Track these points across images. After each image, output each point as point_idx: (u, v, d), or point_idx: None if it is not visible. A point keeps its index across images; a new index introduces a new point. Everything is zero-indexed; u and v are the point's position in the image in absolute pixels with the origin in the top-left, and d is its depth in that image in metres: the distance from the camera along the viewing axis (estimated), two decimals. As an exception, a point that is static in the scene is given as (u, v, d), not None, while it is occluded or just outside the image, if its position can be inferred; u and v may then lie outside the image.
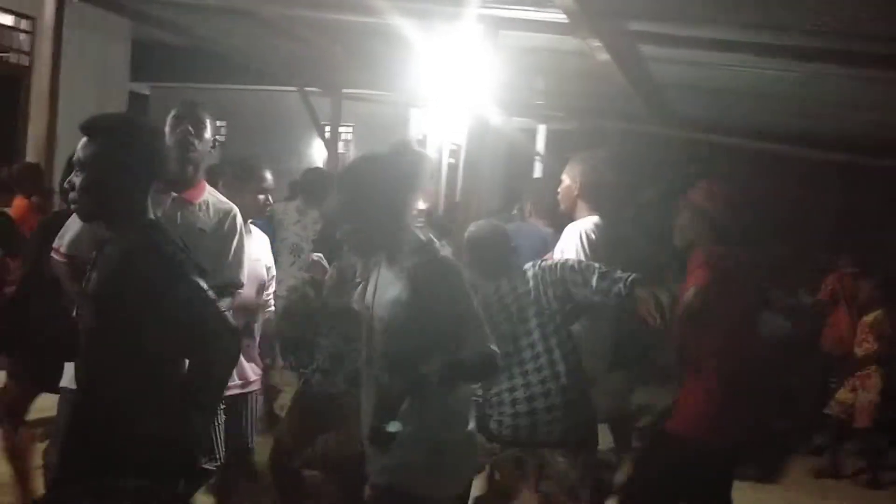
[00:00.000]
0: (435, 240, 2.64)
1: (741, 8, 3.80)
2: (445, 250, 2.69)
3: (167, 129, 2.96)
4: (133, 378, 2.18)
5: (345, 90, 7.76)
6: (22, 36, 8.77)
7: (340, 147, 11.04)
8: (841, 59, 4.23)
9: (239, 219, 3.15)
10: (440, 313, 2.43)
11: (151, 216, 2.31)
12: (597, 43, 4.37)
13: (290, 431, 3.52)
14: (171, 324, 2.16)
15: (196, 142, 3.00)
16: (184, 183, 2.99)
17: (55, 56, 4.53)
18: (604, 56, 4.56)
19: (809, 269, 8.09)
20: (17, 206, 5.11)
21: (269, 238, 4.28)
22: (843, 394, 5.94)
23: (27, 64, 8.65)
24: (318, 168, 6.41)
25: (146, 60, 12.11)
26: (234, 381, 3.55)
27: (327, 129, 7.89)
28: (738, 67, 4.77)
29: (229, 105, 15.09)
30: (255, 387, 3.69)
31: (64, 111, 5.39)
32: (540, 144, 10.56)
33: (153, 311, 2.15)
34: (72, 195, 2.34)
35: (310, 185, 5.66)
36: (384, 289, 2.51)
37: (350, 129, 11.99)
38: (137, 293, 2.15)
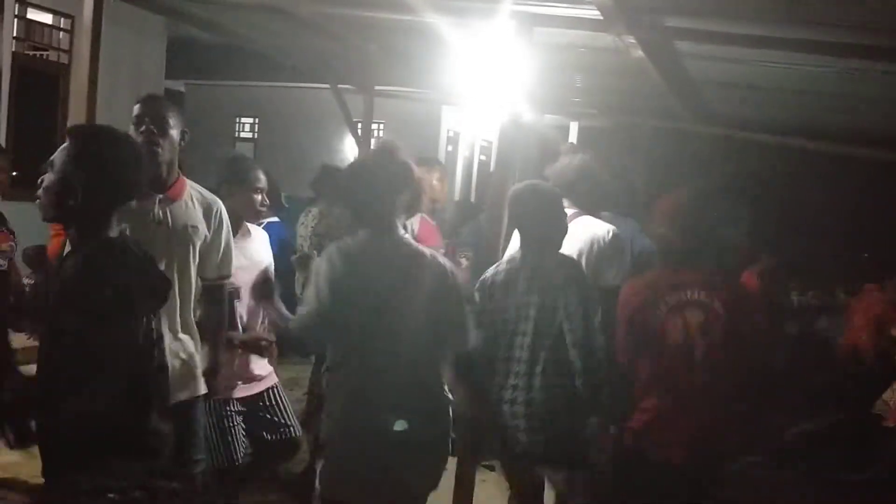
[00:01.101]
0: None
1: (778, 3, 3.75)
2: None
3: (131, 128, 2.93)
4: (80, 392, 2.17)
5: (377, 87, 7.76)
6: (61, 34, 8.90)
7: (372, 144, 11.08)
8: (883, 55, 4.16)
9: (224, 212, 3.18)
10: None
11: (113, 234, 2.31)
12: (631, 40, 4.33)
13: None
14: (97, 356, 2.17)
15: (161, 141, 2.95)
16: (160, 184, 2.98)
17: (93, 54, 4.57)
18: (638, 53, 4.52)
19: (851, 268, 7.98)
20: None
21: (282, 241, 4.31)
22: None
23: (66, 62, 8.78)
24: (326, 166, 6.42)
25: (181, 58, 12.22)
26: (241, 382, 3.58)
27: (359, 125, 7.90)
28: (775, 64, 4.71)
29: (263, 102, 15.20)
30: (269, 383, 3.71)
31: (101, 108, 5.45)
32: (572, 141, 10.50)
33: (83, 338, 2.16)
34: (37, 193, 2.37)
35: (316, 185, 5.72)
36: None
37: (381, 126, 12.03)
38: (71, 318, 2.17)
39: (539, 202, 3.49)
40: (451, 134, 13.17)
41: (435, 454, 2.88)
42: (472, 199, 13.01)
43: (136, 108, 2.99)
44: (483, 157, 14.18)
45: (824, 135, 7.11)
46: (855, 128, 6.78)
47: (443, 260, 2.92)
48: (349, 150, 12.24)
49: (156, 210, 2.94)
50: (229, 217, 3.29)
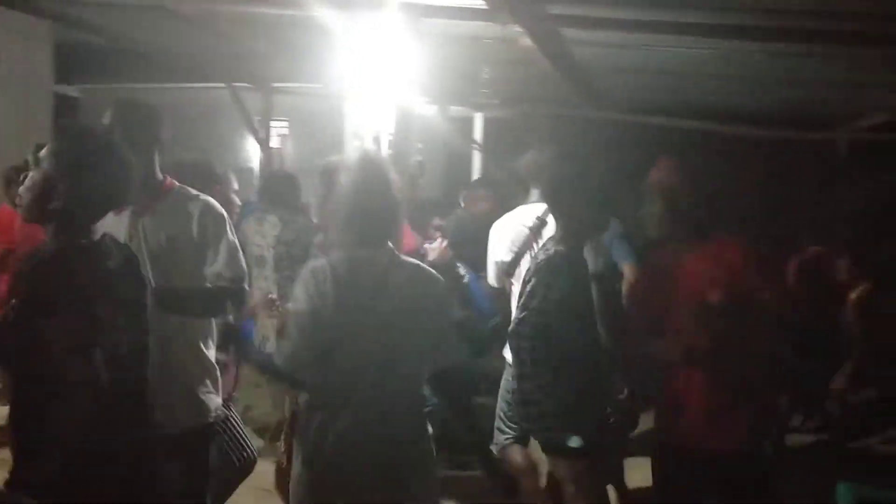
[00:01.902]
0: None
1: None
2: None
3: None
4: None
5: (275, 84, 7.65)
6: (-61, 41, 8.49)
7: (276, 142, 10.91)
8: (760, 35, 4.29)
9: (217, 207, 3.01)
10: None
11: (85, 240, 2.21)
12: (518, 28, 4.37)
13: None
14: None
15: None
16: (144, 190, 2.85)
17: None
18: (526, 41, 4.57)
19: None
20: None
21: None
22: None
23: (-54, 69, 8.39)
24: (277, 171, 6.32)
25: (75, 62, 11.80)
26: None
27: (259, 124, 7.80)
28: (659, 48, 4.83)
29: (160, 104, 14.79)
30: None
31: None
32: (478, 133, 10.56)
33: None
34: (18, 192, 2.28)
35: (268, 190, 5.59)
36: None
37: (285, 124, 11.86)
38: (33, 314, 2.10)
39: None
40: (356, 129, 13.07)
41: (422, 479, 2.71)
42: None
43: (108, 116, 2.86)
44: (390, 151, 14.11)
45: (713, 116, 7.33)
46: (741, 108, 7.02)
47: (431, 271, 2.79)
48: (251, 149, 12.04)
49: (144, 218, 2.83)
50: None
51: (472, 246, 4.78)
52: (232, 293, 2.93)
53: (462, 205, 6.48)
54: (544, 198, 3.43)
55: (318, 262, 2.69)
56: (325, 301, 2.56)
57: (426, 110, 8.73)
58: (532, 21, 4.26)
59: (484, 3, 4.02)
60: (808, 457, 5.91)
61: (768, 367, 3.35)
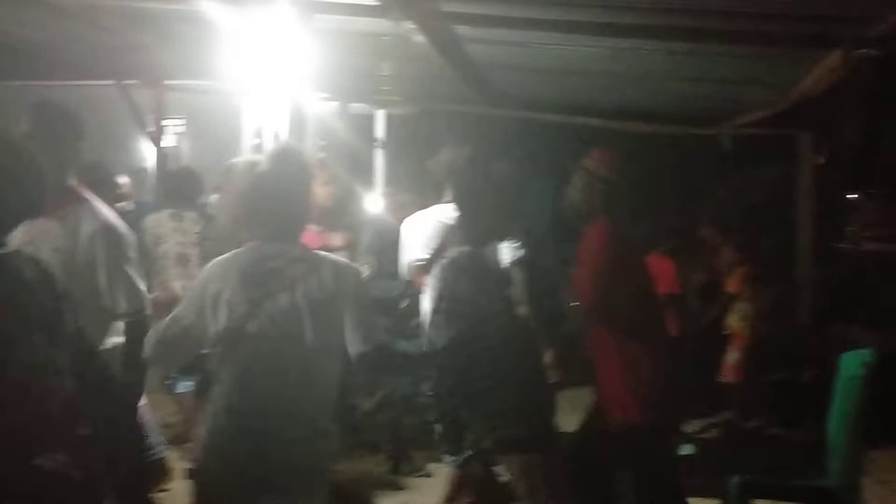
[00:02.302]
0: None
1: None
2: None
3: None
4: None
5: (168, 81, 7.46)
6: None
7: (172, 140, 10.65)
8: (649, 34, 4.42)
9: (120, 230, 2.88)
10: None
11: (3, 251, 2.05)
12: (411, 25, 4.39)
13: None
14: None
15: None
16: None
17: None
18: (419, 38, 4.59)
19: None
20: None
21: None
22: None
23: None
24: (183, 168, 6.16)
25: (-47, 59, 11.23)
26: None
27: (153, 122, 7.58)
28: (551, 45, 4.93)
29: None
30: None
31: None
32: (379, 131, 10.55)
33: None
34: None
35: (178, 188, 5.44)
36: None
37: (182, 122, 11.58)
38: None
39: None
40: (256, 126, 12.85)
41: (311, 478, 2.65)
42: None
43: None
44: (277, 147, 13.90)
45: (603, 112, 7.52)
46: (630, 104, 7.21)
47: (341, 261, 2.74)
48: (146, 149, 11.71)
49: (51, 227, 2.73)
50: None
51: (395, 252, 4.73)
52: (138, 327, 2.85)
53: (371, 209, 6.46)
54: (450, 198, 3.48)
55: (222, 256, 2.61)
56: (223, 294, 2.50)
57: (327, 108, 8.67)
58: (424, 18, 4.29)
59: (376, -1, 4.02)
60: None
61: (668, 348, 3.57)
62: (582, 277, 3.33)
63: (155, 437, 3.56)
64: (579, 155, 3.73)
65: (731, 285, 6.40)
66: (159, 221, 5.22)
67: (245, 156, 3.76)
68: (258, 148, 9.07)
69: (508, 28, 4.37)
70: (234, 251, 2.64)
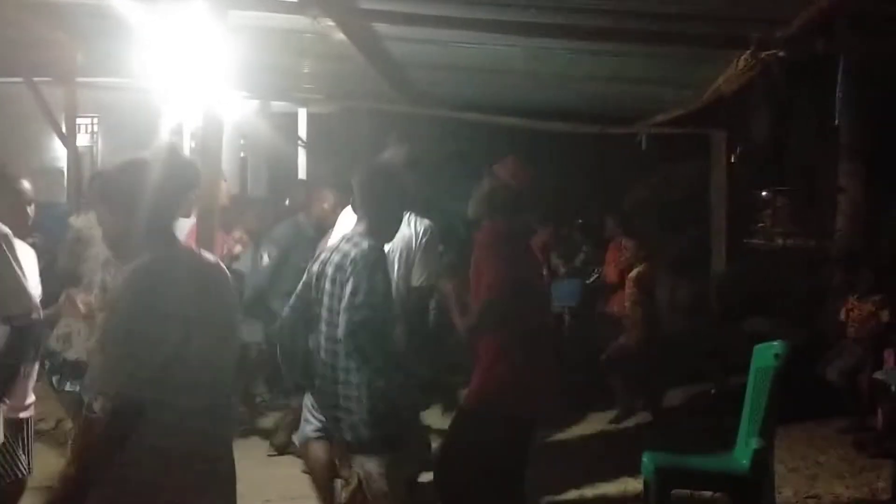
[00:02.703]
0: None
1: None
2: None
3: None
4: None
5: (81, 79, 7.23)
6: None
7: (86, 139, 10.33)
8: (566, 34, 4.48)
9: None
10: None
11: None
12: (330, 22, 4.35)
13: None
14: None
15: None
16: None
17: None
18: (339, 35, 4.56)
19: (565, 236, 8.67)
20: None
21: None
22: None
23: None
24: (108, 170, 5.91)
25: None
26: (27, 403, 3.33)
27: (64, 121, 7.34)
28: (469, 44, 4.95)
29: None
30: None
31: None
32: (302, 129, 10.44)
33: None
34: None
35: (104, 191, 5.24)
36: None
37: (95, 120, 11.23)
38: None
39: None
40: (173, 124, 12.57)
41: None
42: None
43: None
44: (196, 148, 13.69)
45: (522, 111, 7.61)
46: (549, 104, 7.31)
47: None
48: (58, 148, 11.34)
49: None
50: None
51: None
52: (27, 330, 2.83)
53: (290, 205, 6.37)
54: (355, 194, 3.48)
55: (143, 266, 2.34)
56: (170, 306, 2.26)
57: (249, 106, 8.54)
58: (343, 15, 4.26)
59: (293, -5, 3.98)
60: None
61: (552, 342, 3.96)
62: (481, 277, 3.64)
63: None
64: (503, 154, 3.98)
65: (631, 281, 6.62)
66: (89, 223, 5.05)
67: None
68: (176, 145, 8.87)
69: (427, 26, 4.36)
70: (149, 260, 2.50)
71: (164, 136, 10.10)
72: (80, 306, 3.85)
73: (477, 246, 3.77)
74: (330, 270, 3.16)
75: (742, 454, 4.23)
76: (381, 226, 3.24)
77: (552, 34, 4.39)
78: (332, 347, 3.11)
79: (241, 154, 11.41)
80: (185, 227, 4.07)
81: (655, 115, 7.06)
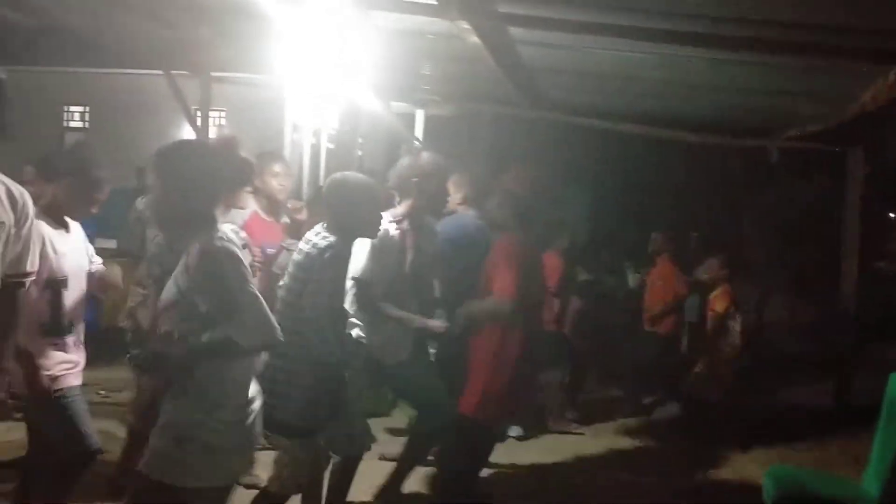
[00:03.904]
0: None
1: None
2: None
3: None
4: None
5: (215, 73, 7.51)
6: None
7: (213, 132, 10.73)
8: (701, 42, 4.39)
9: (31, 204, 2.94)
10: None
11: None
12: (466, 25, 4.38)
13: None
14: None
15: None
16: None
17: None
18: (473, 39, 4.58)
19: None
20: None
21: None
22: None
23: None
24: (163, 147, 6.17)
25: (2, 43, 11.42)
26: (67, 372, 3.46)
27: (197, 113, 7.63)
28: (603, 50, 4.89)
29: (94, 89, 14.41)
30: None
31: None
32: (419, 130, 10.55)
33: None
34: None
35: (158, 164, 5.50)
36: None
37: (223, 114, 11.68)
38: None
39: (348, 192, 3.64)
40: (296, 121, 12.92)
41: None
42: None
43: None
44: (331, 146, 13.99)
45: (651, 120, 7.47)
46: (678, 113, 7.16)
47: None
48: (188, 138, 11.83)
49: None
50: (56, 209, 3.37)
51: None
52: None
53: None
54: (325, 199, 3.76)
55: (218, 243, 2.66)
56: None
57: (370, 105, 8.70)
58: (480, 18, 4.28)
59: (433, -2, 4.02)
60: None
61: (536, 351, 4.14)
62: (495, 284, 3.90)
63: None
64: (619, 162, 3.98)
65: (715, 301, 6.40)
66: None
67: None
68: (298, 143, 9.11)
69: (564, 31, 4.34)
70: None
71: (286, 131, 10.41)
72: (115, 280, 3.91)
73: (494, 251, 4.09)
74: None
75: (871, 484, 4.06)
76: (345, 225, 3.55)
77: (694, 43, 4.29)
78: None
79: (359, 153, 11.66)
80: (238, 218, 4.24)
81: (787, 129, 6.83)
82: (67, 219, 3.51)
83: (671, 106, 6.77)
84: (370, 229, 3.72)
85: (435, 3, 4.12)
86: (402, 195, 4.38)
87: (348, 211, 3.56)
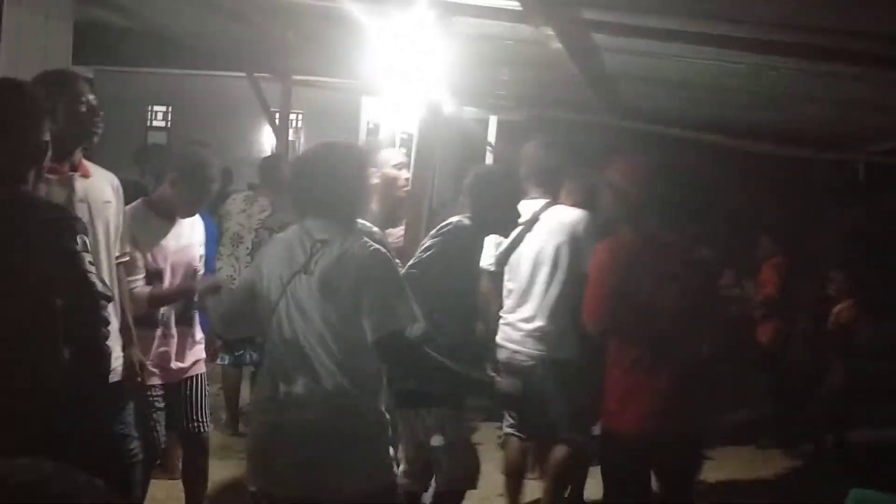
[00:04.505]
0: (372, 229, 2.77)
1: (694, -1, 3.82)
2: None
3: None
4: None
5: (295, 76, 7.63)
6: (-42, 14, 8.45)
7: (290, 134, 10.90)
8: (791, 52, 4.27)
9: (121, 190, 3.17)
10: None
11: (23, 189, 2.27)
12: (550, 31, 4.35)
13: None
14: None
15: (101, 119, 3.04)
16: (76, 161, 2.97)
17: (-6, 35, 4.36)
18: (556, 45, 4.55)
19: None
20: None
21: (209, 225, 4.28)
22: None
23: (-36, 43, 8.36)
24: (273, 155, 6.38)
25: (91, 42, 11.76)
26: (172, 366, 3.54)
27: (277, 115, 7.76)
28: (689, 58, 4.80)
29: (177, 90, 14.79)
30: (198, 370, 3.69)
31: (2, 92, 5.15)
32: (491, 135, 10.54)
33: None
34: None
35: (263, 174, 5.62)
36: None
37: (300, 116, 11.86)
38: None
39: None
40: (370, 125, 13.08)
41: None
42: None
43: (80, 84, 2.96)
44: (403, 150, 14.11)
45: (734, 131, 7.31)
46: (763, 124, 6.99)
47: (372, 245, 2.72)
48: (266, 140, 12.05)
49: (76, 186, 2.90)
50: (159, 205, 3.55)
51: None
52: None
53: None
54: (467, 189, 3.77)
55: (277, 235, 2.87)
56: (271, 270, 2.68)
57: (448, 110, 8.72)
58: (565, 25, 4.24)
59: (519, 4, 3.99)
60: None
61: (709, 361, 3.62)
62: (591, 293, 3.48)
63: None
64: (696, 173, 3.78)
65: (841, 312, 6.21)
66: (234, 201, 5.48)
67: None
68: (371, 144, 9.15)
69: (654, 39, 4.27)
70: (284, 231, 2.85)
71: (362, 134, 10.50)
72: None
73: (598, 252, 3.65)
74: None
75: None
76: (483, 218, 3.60)
77: (786, 53, 4.18)
78: None
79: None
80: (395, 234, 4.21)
81: (878, 143, 6.60)
82: (175, 216, 3.60)
83: (753, 116, 6.62)
84: (506, 226, 3.71)
85: (520, 8, 4.10)
86: None
87: (490, 204, 3.56)
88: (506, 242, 4.31)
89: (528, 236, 4.33)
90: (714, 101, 6.21)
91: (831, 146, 7.35)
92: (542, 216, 4.36)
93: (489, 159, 10.58)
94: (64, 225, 2.23)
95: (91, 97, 2.96)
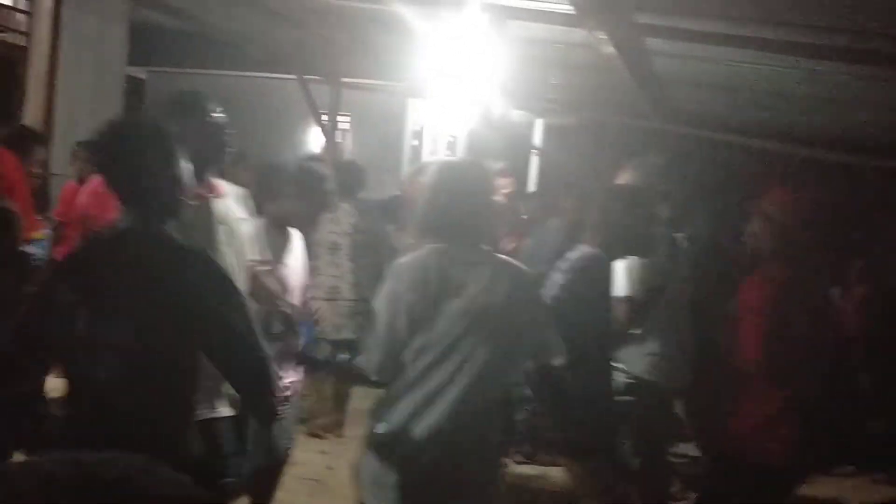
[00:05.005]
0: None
1: (749, 3, 3.77)
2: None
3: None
4: None
5: (344, 79, 7.69)
6: (19, 16, 8.66)
7: (338, 137, 10.98)
8: (846, 57, 4.20)
9: None
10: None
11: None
12: (603, 35, 4.32)
13: None
14: None
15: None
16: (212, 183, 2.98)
17: (53, 37, 4.47)
18: (609, 49, 4.52)
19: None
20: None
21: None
22: None
23: (24, 45, 8.56)
24: (349, 161, 6.40)
25: (144, 44, 11.95)
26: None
27: (325, 117, 7.82)
28: (742, 63, 4.74)
29: (227, 91, 14.90)
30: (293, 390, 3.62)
31: (61, 93, 5.29)
32: (537, 138, 10.51)
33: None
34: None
35: (342, 180, 5.64)
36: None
37: (347, 119, 11.92)
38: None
39: None
40: (416, 128, 13.11)
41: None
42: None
43: (208, 105, 2.89)
44: (448, 153, 14.12)
45: (788, 136, 7.19)
46: (819, 130, 6.87)
47: (520, 266, 2.71)
48: (314, 142, 12.13)
49: (214, 209, 2.89)
50: (280, 220, 3.44)
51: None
52: None
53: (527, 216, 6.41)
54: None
55: (409, 258, 2.59)
56: (417, 297, 2.50)
57: (497, 114, 8.71)
58: (618, 29, 4.21)
59: (572, 8, 3.98)
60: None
61: (829, 386, 3.38)
62: (747, 330, 3.19)
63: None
64: (749, 179, 3.65)
65: None
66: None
67: (433, 160, 3.86)
68: (417, 150, 9.15)
69: (704, 43, 4.22)
70: (416, 254, 2.61)
71: (406, 139, 10.53)
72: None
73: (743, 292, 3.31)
74: None
75: None
76: (610, 243, 3.28)
77: (842, 58, 4.11)
78: None
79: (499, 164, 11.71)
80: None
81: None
82: (290, 230, 3.55)
83: (807, 122, 6.50)
84: (643, 248, 3.41)
85: (573, 12, 4.08)
86: None
87: (623, 223, 3.26)
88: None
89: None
90: (767, 107, 6.13)
91: (887, 153, 7.19)
92: None
93: (535, 163, 10.55)
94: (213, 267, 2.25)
95: (219, 115, 2.89)
